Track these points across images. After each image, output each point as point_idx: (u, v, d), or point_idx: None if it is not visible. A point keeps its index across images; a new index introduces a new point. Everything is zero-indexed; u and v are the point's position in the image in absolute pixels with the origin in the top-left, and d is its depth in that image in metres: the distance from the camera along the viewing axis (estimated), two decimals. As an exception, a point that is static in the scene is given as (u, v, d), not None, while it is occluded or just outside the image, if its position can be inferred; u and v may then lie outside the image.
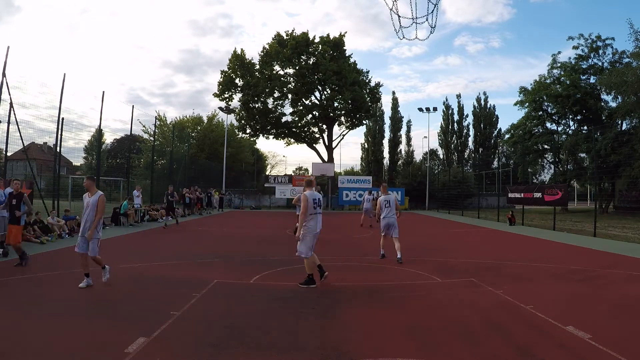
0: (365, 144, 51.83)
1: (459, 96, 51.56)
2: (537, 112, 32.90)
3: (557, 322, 4.46)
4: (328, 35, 36.76)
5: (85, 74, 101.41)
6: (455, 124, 50.89)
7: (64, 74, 14.35)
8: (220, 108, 36.44)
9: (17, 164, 23.25)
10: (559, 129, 33.61)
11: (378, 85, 39.78)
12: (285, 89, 36.62)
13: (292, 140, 40.12)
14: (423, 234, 15.50)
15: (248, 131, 38.99)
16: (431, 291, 6.07)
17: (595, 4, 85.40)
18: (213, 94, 37.80)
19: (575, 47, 30.47)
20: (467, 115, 50.68)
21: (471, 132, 50.67)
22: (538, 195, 17.99)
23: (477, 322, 4.58)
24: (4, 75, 12.00)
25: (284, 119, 38.58)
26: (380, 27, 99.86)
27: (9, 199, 7.98)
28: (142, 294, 5.71)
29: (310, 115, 38.20)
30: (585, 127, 31.25)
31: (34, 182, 13.55)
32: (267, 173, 52.45)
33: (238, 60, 35.98)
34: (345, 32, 37.31)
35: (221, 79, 36.56)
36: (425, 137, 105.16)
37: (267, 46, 36.29)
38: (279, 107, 38.11)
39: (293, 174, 41.60)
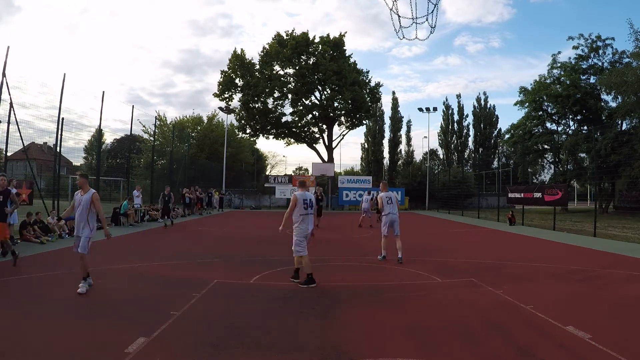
0: (365, 144, 51.88)
1: (459, 96, 51.67)
2: (537, 112, 32.91)
3: (557, 322, 4.46)
4: (328, 35, 36.82)
5: (85, 74, 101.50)
6: (455, 124, 50.95)
7: (64, 74, 14.37)
8: (220, 108, 36.45)
9: (17, 164, 23.27)
10: (559, 129, 33.67)
11: (378, 85, 39.82)
12: (285, 89, 36.63)
13: (292, 140, 40.13)
14: (423, 234, 15.50)
15: (248, 131, 38.99)
16: (431, 291, 6.07)
17: (595, 4, 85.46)
18: (213, 94, 37.86)
19: (575, 47, 30.51)
20: (467, 115, 50.81)
21: (471, 132, 50.80)
22: (538, 195, 17.99)
23: (477, 322, 4.58)
24: (4, 75, 12.00)
25: (284, 119, 38.62)
26: (380, 27, 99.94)
27: None
28: (142, 294, 5.70)
29: (310, 115, 38.21)
30: (585, 127, 31.26)
31: (34, 182, 13.53)
32: (267, 173, 52.44)
33: (238, 60, 35.98)
34: (345, 32, 37.38)
35: (221, 79, 36.57)
36: (425, 137, 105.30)
37: (267, 46, 36.32)
38: (279, 107, 38.16)
39: (293, 174, 41.63)
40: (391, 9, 8.82)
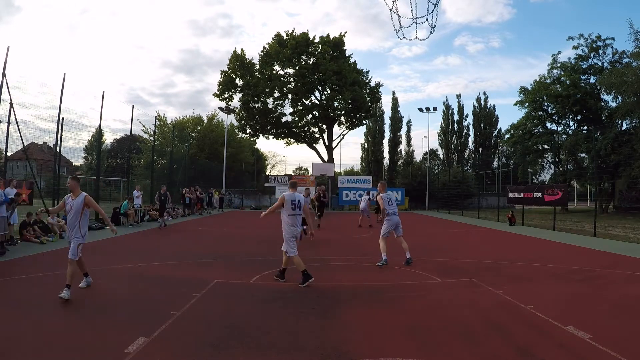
0: (365, 144, 51.88)
1: (459, 96, 51.65)
2: (537, 112, 32.91)
3: (557, 322, 4.46)
4: (328, 35, 36.81)
5: (85, 74, 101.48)
6: (455, 124, 50.94)
7: (64, 74, 14.36)
8: (220, 108, 36.45)
9: (17, 164, 23.27)
10: (559, 129, 33.68)
11: (378, 85, 39.81)
12: (285, 89, 36.63)
13: (292, 140, 40.13)
14: (423, 234, 15.49)
15: (248, 131, 39.00)
16: (431, 291, 6.07)
17: (595, 4, 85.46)
18: (213, 94, 37.86)
19: (575, 47, 30.51)
20: (467, 115, 50.79)
21: (471, 132, 50.78)
22: (538, 195, 17.99)
23: (477, 322, 4.58)
24: (4, 75, 12.00)
25: (284, 119, 38.61)
26: (380, 27, 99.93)
27: None
28: (142, 294, 5.70)
29: (310, 115, 38.21)
30: (585, 127, 31.27)
31: (34, 182, 13.53)
32: (267, 173, 52.47)
33: (238, 60, 35.98)
34: (345, 32, 37.36)
35: (221, 79, 36.57)
36: (425, 137, 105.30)
37: (267, 46, 36.31)
38: (279, 107, 38.15)
39: (293, 174, 41.63)
40: (391, 9, 8.82)
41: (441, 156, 51.66)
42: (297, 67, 35.91)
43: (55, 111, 14.22)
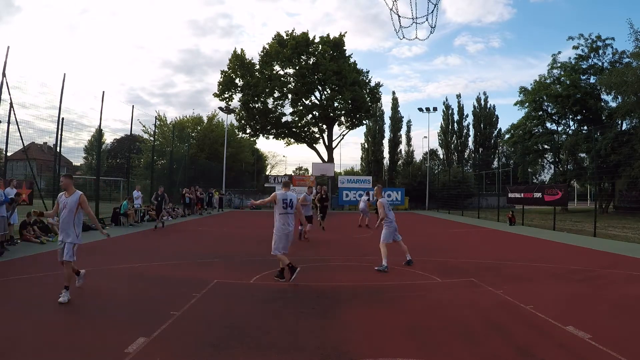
0: (365, 144, 51.89)
1: (459, 96, 51.66)
2: (537, 112, 32.91)
3: (557, 322, 4.46)
4: (328, 35, 36.79)
5: (85, 74, 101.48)
6: (455, 124, 50.94)
7: (64, 74, 14.34)
8: (220, 108, 36.44)
9: (17, 164, 23.26)
10: (559, 129, 33.68)
11: (378, 85, 39.80)
12: (285, 89, 36.62)
13: (292, 140, 40.13)
14: (423, 234, 15.49)
15: (248, 131, 38.99)
16: (431, 291, 6.07)
17: (595, 4, 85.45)
18: (213, 94, 37.84)
19: (575, 47, 30.51)
20: (467, 115, 50.78)
21: (471, 132, 50.78)
22: (538, 195, 17.99)
23: (477, 322, 4.58)
24: (4, 75, 12.00)
25: (284, 119, 38.60)
26: (380, 27, 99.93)
27: None
28: (142, 294, 5.70)
29: (310, 115, 38.20)
30: (585, 127, 31.27)
31: (34, 182, 13.53)
32: (267, 173, 52.45)
33: (238, 60, 35.97)
34: (345, 32, 37.34)
35: (221, 79, 36.56)
36: (425, 137, 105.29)
37: (267, 46, 36.29)
38: (279, 107, 38.13)
39: (293, 174, 41.63)
40: (391, 9, 8.82)
41: (441, 156, 51.70)
42: (297, 67, 35.90)
43: (55, 111, 14.22)
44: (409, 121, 70.47)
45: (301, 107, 37.33)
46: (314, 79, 36.19)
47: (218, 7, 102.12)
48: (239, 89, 36.56)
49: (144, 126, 30.80)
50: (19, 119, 12.72)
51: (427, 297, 5.76)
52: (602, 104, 30.26)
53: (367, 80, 38.84)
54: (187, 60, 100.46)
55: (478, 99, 51.25)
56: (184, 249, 10.21)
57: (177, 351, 3.65)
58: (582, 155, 30.94)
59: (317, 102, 37.65)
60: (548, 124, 33.52)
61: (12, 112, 12.38)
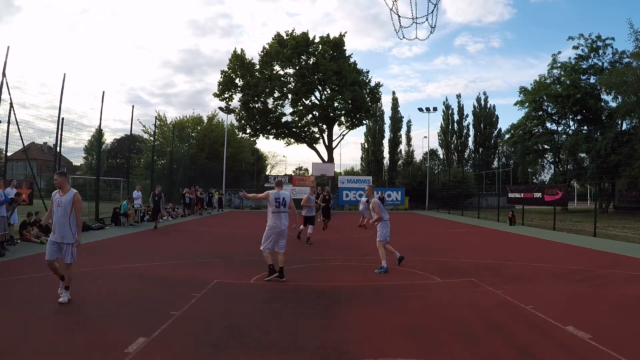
0: (365, 144, 51.90)
1: (459, 96, 51.68)
2: (537, 112, 32.92)
3: (557, 322, 4.46)
4: (328, 35, 36.81)
5: (85, 74, 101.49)
6: (455, 124, 50.96)
7: (64, 74, 14.35)
8: (220, 108, 36.44)
9: (17, 164, 23.27)
10: (559, 129, 33.70)
11: (378, 85, 39.82)
12: (285, 89, 36.62)
13: (292, 140, 40.13)
14: (423, 234, 15.49)
15: (248, 131, 39.00)
16: (431, 291, 6.07)
17: (595, 4, 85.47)
18: (213, 94, 37.86)
19: (575, 47, 30.52)
20: (467, 115, 50.81)
21: (471, 132, 50.81)
22: (538, 195, 17.99)
23: (477, 322, 4.58)
24: (4, 75, 11.99)
25: (284, 119, 38.62)
26: (380, 27, 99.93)
27: None
28: (142, 294, 5.70)
29: (310, 115, 38.21)
30: (585, 127, 31.27)
31: (34, 182, 13.53)
32: (267, 173, 52.46)
33: (238, 60, 35.97)
34: (345, 32, 37.37)
35: (221, 79, 36.57)
36: (425, 137, 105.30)
37: (267, 46, 36.31)
38: (279, 107, 38.16)
39: (293, 174, 41.62)
40: (391, 9, 8.82)
41: (441, 156, 51.72)
42: (297, 67, 35.91)
43: (55, 111, 14.23)
44: (409, 121, 70.59)
45: (301, 107, 37.34)
46: (314, 79, 36.20)
47: (218, 7, 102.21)
48: (239, 89, 36.57)
49: (144, 126, 30.83)
50: (19, 119, 12.72)
51: (427, 297, 5.76)
52: (602, 104, 30.28)
53: (367, 80, 38.85)
54: (187, 60, 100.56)
55: (478, 99, 51.35)
56: (184, 249, 10.21)
57: (177, 351, 3.65)
58: (582, 155, 30.96)
59: (317, 102, 37.66)
60: (548, 124, 33.54)
61: (12, 112, 12.38)
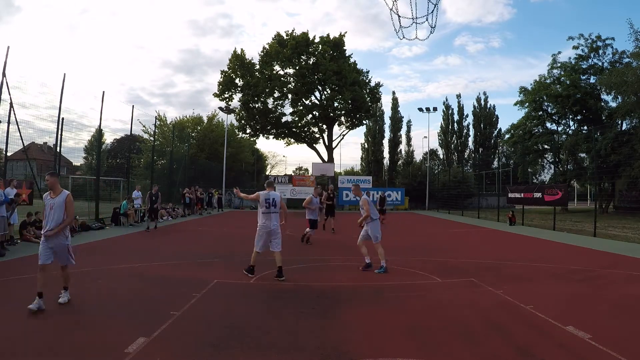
0: (365, 144, 51.88)
1: (459, 96, 51.68)
2: (537, 112, 32.93)
3: (557, 322, 4.46)
4: (328, 35, 36.78)
5: (85, 74, 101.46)
6: (455, 124, 50.96)
7: (64, 74, 14.34)
8: (220, 108, 36.44)
9: (17, 164, 23.28)
10: (559, 129, 33.71)
11: (378, 85, 39.79)
12: (285, 89, 36.60)
13: (292, 140, 40.12)
14: (423, 234, 15.49)
15: (248, 131, 38.98)
16: (431, 291, 6.07)
17: (595, 4, 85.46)
18: (213, 94, 37.83)
19: (575, 47, 30.52)
20: (467, 115, 50.81)
21: (471, 132, 50.81)
22: (538, 195, 17.99)
23: (477, 322, 4.58)
24: (4, 75, 11.99)
25: (284, 119, 38.59)
26: (380, 27, 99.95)
27: None
28: (142, 294, 5.70)
29: (310, 115, 38.18)
30: (585, 127, 31.28)
31: (34, 182, 13.52)
32: (267, 173, 52.45)
33: (238, 60, 35.96)
34: (345, 32, 37.32)
35: (221, 79, 36.55)
36: (425, 137, 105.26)
37: (267, 46, 36.28)
38: (279, 107, 38.12)
39: (293, 174, 41.60)
40: (391, 9, 8.81)
41: (441, 156, 51.72)
42: (297, 67, 35.89)
43: (55, 111, 14.22)
44: (409, 121, 70.56)
45: (301, 107, 37.32)
46: (314, 79, 36.18)
47: (218, 7, 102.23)
48: (239, 89, 36.55)
49: (144, 126, 30.82)
50: (19, 119, 12.71)
51: (427, 297, 5.76)
52: (602, 104, 30.28)
53: (367, 80, 38.84)
54: (187, 60, 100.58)
55: (478, 99, 51.35)
56: (184, 249, 10.21)
57: (177, 351, 3.65)
58: (582, 155, 30.96)
59: (317, 102, 37.65)
60: (548, 124, 33.55)
61: (12, 112, 12.37)
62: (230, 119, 38.76)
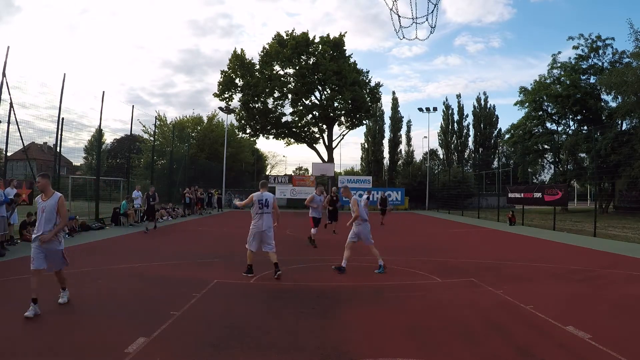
0: (365, 144, 51.88)
1: (459, 96, 51.70)
2: (537, 112, 32.93)
3: (557, 322, 4.46)
4: (328, 35, 36.77)
5: (85, 74, 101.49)
6: (455, 124, 50.98)
7: (64, 74, 14.33)
8: (220, 108, 36.42)
9: (17, 164, 23.26)
10: (559, 129, 33.72)
11: (378, 85, 39.78)
12: (285, 89, 36.60)
13: (292, 140, 40.11)
14: (423, 234, 15.49)
15: (248, 131, 38.97)
16: (431, 291, 6.07)
17: (595, 4, 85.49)
18: (213, 94, 37.82)
19: (575, 47, 30.53)
20: (467, 115, 50.84)
21: (471, 132, 50.84)
22: (538, 195, 17.99)
23: (477, 322, 4.58)
24: (4, 75, 11.99)
25: (284, 119, 38.58)
26: (380, 27, 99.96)
27: None
28: (142, 294, 5.70)
29: (310, 115, 38.18)
30: (585, 127, 31.28)
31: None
32: (267, 173, 52.45)
33: (238, 60, 35.95)
34: (345, 32, 37.31)
35: (221, 79, 36.54)
36: (425, 137, 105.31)
37: (267, 46, 36.27)
38: (279, 107, 38.11)
39: (293, 174, 41.60)
40: (391, 9, 8.81)
41: (441, 156, 51.73)
42: (297, 67, 35.88)
43: (55, 111, 14.21)
44: (409, 121, 70.65)
45: (301, 107, 37.31)
46: (314, 79, 36.17)
47: (218, 7, 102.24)
48: (239, 89, 36.54)
49: (144, 126, 30.82)
50: (19, 119, 12.71)
51: (427, 297, 5.76)
52: (602, 104, 30.29)
53: (367, 80, 38.83)
54: (187, 60, 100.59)
55: (478, 99, 51.38)
56: (184, 249, 10.20)
57: (177, 351, 3.65)
58: (582, 155, 30.97)
59: (317, 102, 37.64)
60: (548, 124, 33.55)
61: (12, 112, 12.37)
62: (230, 119, 38.80)
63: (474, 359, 3.58)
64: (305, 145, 40.57)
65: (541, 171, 35.34)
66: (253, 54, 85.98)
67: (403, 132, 50.46)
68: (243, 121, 37.84)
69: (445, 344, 3.91)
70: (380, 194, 22.97)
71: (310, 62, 36.19)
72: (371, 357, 3.57)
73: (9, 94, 12.23)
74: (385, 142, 50.48)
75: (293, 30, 36.32)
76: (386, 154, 50.39)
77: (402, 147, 50.32)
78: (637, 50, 25.34)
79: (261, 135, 38.92)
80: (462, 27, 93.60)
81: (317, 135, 39.98)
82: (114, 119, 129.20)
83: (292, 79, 36.67)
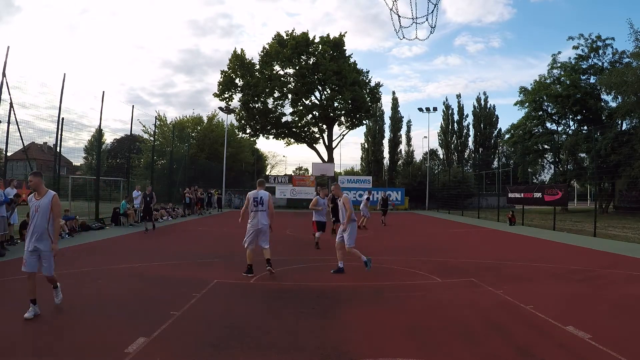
0: (365, 144, 51.90)
1: (459, 96, 51.71)
2: (537, 112, 32.93)
3: (557, 322, 4.46)
4: (328, 35, 36.79)
5: (85, 74, 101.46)
6: (455, 124, 50.99)
7: (64, 74, 14.34)
8: (220, 108, 36.43)
9: (17, 164, 23.24)
10: (559, 129, 33.71)
11: (378, 85, 39.81)
12: (285, 89, 36.61)
13: (292, 140, 40.13)
14: (423, 234, 15.49)
15: (248, 131, 38.99)
16: (431, 291, 6.07)
17: (595, 4, 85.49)
18: (213, 94, 37.84)
19: (575, 47, 30.52)
20: (467, 115, 50.86)
21: (471, 132, 50.86)
22: (538, 195, 17.99)
23: (477, 322, 4.58)
24: (4, 75, 11.99)
25: (284, 119, 38.61)
26: (380, 27, 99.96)
27: None
28: (142, 294, 5.70)
29: (310, 115, 38.20)
30: (585, 127, 31.28)
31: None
32: (267, 173, 52.45)
33: (238, 60, 35.96)
34: (345, 32, 37.34)
35: (221, 79, 36.55)
36: (425, 137, 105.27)
37: (267, 46, 36.30)
38: (279, 107, 38.14)
39: (293, 174, 41.61)
40: (391, 9, 8.82)
41: (441, 156, 51.75)
42: (297, 67, 35.89)
43: (55, 111, 14.22)
44: (409, 121, 70.60)
45: (301, 107, 37.33)
46: (314, 79, 36.18)
47: (218, 7, 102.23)
48: (239, 89, 36.56)
49: (144, 126, 30.83)
50: (19, 119, 12.71)
51: (427, 297, 5.75)
52: (602, 104, 30.29)
53: (367, 80, 38.85)
54: (187, 60, 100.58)
55: (478, 99, 51.40)
56: (184, 249, 10.20)
57: (177, 351, 3.65)
58: (582, 155, 30.97)
59: (317, 102, 37.65)
60: (548, 124, 33.55)
61: (12, 112, 12.37)
62: (230, 119, 38.81)
63: (474, 359, 3.58)
64: (305, 145, 40.62)
65: (541, 171, 35.38)
66: (253, 54, 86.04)
67: (403, 132, 50.58)
68: (243, 121, 37.85)
69: (445, 344, 3.91)
70: (381, 194, 22.96)
71: (310, 62, 36.21)
72: (371, 357, 3.57)
73: (9, 94, 12.24)
74: (385, 142, 50.60)
75: (293, 30, 36.37)
76: (386, 154, 50.51)
77: (402, 147, 50.44)
78: (637, 50, 25.34)
79: (261, 135, 38.96)
80: (462, 27, 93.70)
81: (317, 135, 40.01)
82: (114, 119, 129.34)
83: (292, 79, 36.68)
